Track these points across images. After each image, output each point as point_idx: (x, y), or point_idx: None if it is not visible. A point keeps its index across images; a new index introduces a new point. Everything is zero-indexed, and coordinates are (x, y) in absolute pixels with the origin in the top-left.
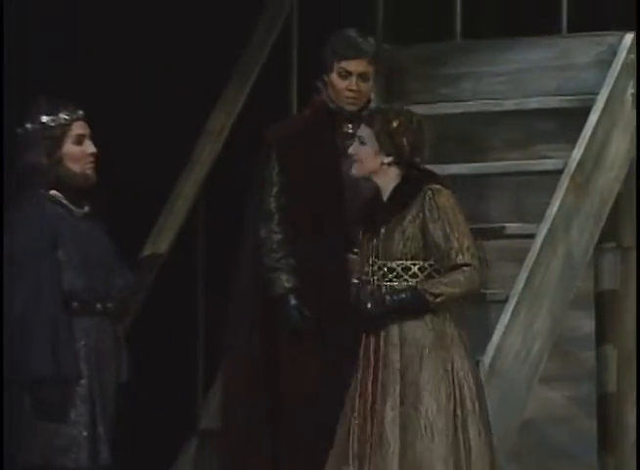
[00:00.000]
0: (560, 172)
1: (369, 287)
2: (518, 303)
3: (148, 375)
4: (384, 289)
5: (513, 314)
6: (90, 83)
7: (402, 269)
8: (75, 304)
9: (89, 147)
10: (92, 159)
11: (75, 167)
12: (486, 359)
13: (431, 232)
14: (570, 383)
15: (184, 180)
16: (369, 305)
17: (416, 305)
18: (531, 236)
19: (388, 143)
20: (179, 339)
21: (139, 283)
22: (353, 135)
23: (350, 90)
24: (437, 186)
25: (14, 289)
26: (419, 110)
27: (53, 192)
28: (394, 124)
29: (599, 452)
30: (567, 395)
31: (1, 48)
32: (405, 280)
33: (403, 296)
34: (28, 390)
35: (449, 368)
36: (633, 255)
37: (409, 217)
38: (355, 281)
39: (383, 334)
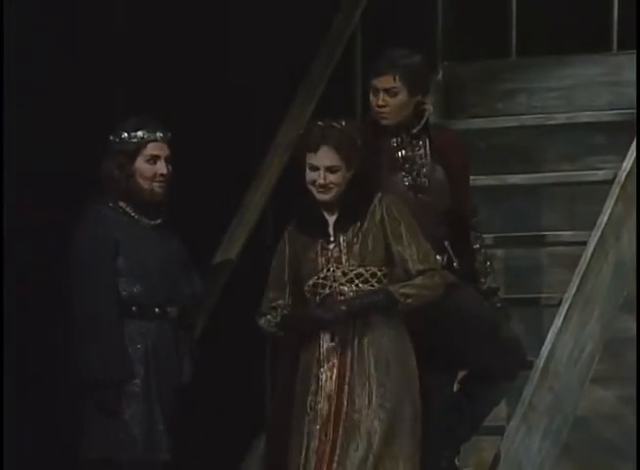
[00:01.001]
0: (610, 183)
1: (329, 290)
2: (570, 307)
3: (219, 375)
4: (349, 292)
5: (565, 318)
6: (166, 99)
7: (370, 275)
8: (134, 308)
9: (161, 168)
10: (162, 179)
11: (144, 184)
12: (540, 361)
13: (391, 240)
14: (619, 383)
15: (253, 192)
16: (342, 307)
17: (387, 305)
18: (583, 243)
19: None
20: (248, 339)
21: (208, 290)
22: (399, 149)
23: (378, 106)
24: (390, 196)
25: (74, 293)
26: (477, 123)
27: (121, 203)
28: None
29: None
30: (617, 394)
31: (1, 48)
32: (372, 285)
33: (376, 295)
34: (83, 389)
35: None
36: None
37: (369, 225)
38: (311, 285)
39: (350, 336)
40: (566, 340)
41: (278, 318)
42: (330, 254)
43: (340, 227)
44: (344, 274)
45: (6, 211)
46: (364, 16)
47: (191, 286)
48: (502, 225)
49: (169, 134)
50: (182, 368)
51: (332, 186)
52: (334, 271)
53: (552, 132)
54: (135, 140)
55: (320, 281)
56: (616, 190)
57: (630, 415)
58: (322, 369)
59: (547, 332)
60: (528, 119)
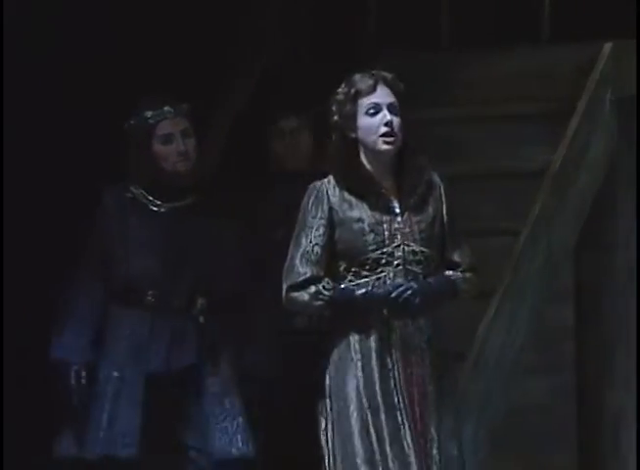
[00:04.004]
0: (543, 174)
1: (395, 269)
2: (502, 297)
3: None
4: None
5: (498, 308)
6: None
7: (425, 257)
8: (122, 295)
9: (178, 145)
10: (182, 157)
11: (167, 166)
12: (472, 352)
13: (446, 223)
14: (553, 373)
15: None
16: (416, 299)
17: (450, 298)
18: (516, 234)
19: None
20: None
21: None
22: None
23: None
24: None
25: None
26: (416, 114)
27: (133, 188)
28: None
29: (579, 438)
30: (550, 384)
31: (1, 44)
32: (424, 268)
33: (446, 287)
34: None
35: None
36: (612, 250)
37: (429, 203)
38: (371, 259)
39: (410, 322)
40: (498, 330)
41: (331, 292)
42: (397, 226)
43: (401, 196)
44: (414, 254)
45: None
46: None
47: (173, 274)
48: None
49: (184, 106)
50: (156, 358)
51: (396, 134)
52: (403, 248)
53: (486, 123)
54: (144, 123)
55: (384, 257)
56: (548, 181)
57: (563, 405)
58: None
59: (479, 322)
60: (463, 111)
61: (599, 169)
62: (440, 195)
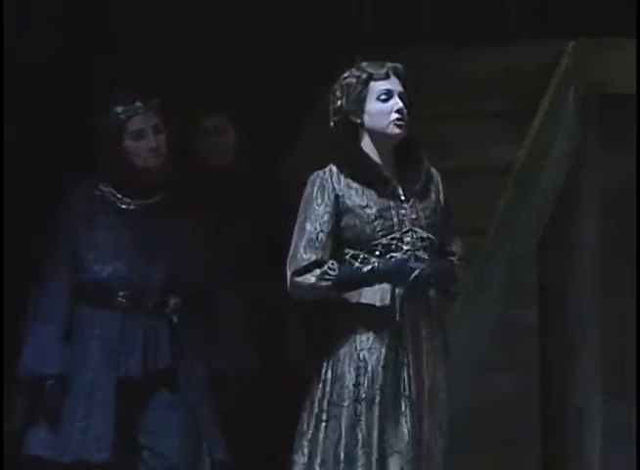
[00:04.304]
0: (506, 171)
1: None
2: (467, 295)
3: None
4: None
5: (462, 307)
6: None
7: (430, 243)
8: (89, 296)
9: (149, 141)
10: (154, 153)
11: (139, 162)
12: None
13: (444, 211)
14: (517, 371)
15: None
16: (417, 265)
17: (451, 281)
18: (482, 232)
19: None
20: None
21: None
22: None
23: None
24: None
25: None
26: None
27: (102, 186)
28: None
29: (543, 436)
30: (515, 382)
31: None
32: (430, 254)
33: (449, 268)
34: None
35: None
36: (575, 250)
37: (431, 191)
38: (381, 244)
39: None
40: (462, 329)
41: (337, 272)
42: (404, 212)
43: (404, 184)
44: (422, 240)
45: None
46: None
47: (143, 274)
48: None
49: (154, 101)
50: (130, 361)
51: (406, 120)
52: (412, 234)
53: (450, 120)
54: (115, 119)
55: (394, 243)
56: (511, 179)
57: (529, 403)
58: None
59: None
60: (434, 108)
61: (562, 168)
62: (438, 184)
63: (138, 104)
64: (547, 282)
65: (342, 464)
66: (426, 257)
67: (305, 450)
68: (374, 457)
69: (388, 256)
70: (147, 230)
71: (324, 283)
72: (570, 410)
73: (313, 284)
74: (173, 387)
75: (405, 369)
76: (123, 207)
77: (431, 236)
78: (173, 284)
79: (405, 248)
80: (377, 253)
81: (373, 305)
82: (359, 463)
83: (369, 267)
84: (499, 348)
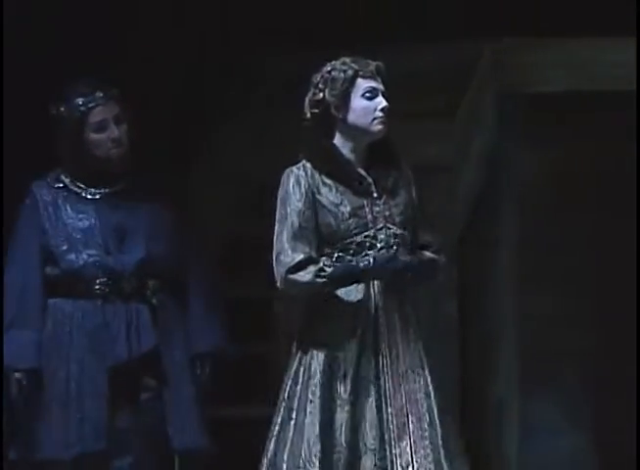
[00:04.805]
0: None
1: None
2: None
3: None
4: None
5: None
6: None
7: (403, 240)
8: (62, 287)
9: (112, 132)
10: (116, 143)
11: (101, 153)
12: None
13: (416, 205)
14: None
15: None
16: (406, 259)
17: (433, 275)
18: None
19: None
20: None
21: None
22: None
23: None
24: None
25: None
26: None
27: (63, 177)
28: None
29: (462, 430)
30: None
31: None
32: (403, 250)
33: (428, 263)
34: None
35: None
36: (494, 248)
37: (401, 186)
38: (355, 242)
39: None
40: None
41: (332, 269)
42: (378, 209)
43: (376, 181)
44: (395, 236)
45: None
46: None
47: (118, 259)
48: None
49: (114, 90)
50: (116, 347)
51: (386, 118)
52: (386, 230)
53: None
54: (76, 111)
55: (368, 240)
56: (435, 178)
57: (448, 398)
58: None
59: None
60: None
61: (481, 167)
62: (409, 179)
63: (99, 94)
64: (467, 279)
65: (314, 464)
66: (402, 251)
67: (271, 447)
68: (347, 456)
69: (362, 253)
70: (115, 217)
71: (320, 280)
72: (489, 405)
73: (309, 281)
74: (159, 369)
75: (380, 365)
76: (89, 196)
77: (404, 232)
78: (149, 268)
79: (379, 245)
80: (351, 251)
81: (347, 300)
82: (333, 462)
83: (365, 263)
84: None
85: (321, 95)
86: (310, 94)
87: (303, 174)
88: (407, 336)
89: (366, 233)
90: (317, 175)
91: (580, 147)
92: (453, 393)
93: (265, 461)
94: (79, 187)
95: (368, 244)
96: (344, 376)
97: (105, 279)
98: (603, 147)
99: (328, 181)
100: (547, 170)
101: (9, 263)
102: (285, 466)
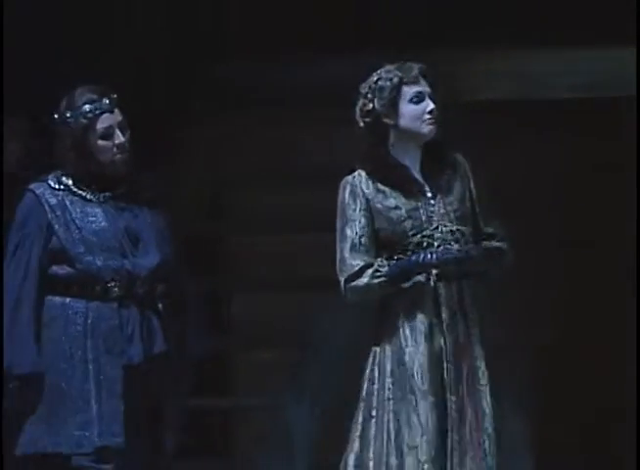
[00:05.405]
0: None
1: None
2: (332, 286)
3: None
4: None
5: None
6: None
7: (462, 234)
8: (75, 287)
9: (118, 137)
10: (122, 149)
11: (105, 159)
12: (313, 338)
13: (473, 201)
14: None
15: None
16: (463, 248)
17: (496, 265)
18: (330, 229)
19: None
20: None
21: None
22: None
23: None
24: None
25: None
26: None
27: (64, 179)
28: None
29: None
30: None
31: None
32: (461, 245)
33: (489, 253)
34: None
35: None
36: None
37: (456, 182)
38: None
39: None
40: (334, 319)
41: (387, 268)
42: (432, 209)
43: (430, 181)
44: (452, 233)
45: None
46: None
47: (135, 262)
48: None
49: (115, 97)
50: (130, 348)
51: (436, 118)
52: (441, 229)
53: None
54: (83, 117)
55: (425, 240)
56: None
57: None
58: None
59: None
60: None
61: None
62: (466, 171)
63: (105, 101)
64: None
65: (400, 457)
66: (458, 248)
67: (356, 446)
68: (437, 444)
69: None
70: (122, 220)
71: (377, 280)
72: None
73: (367, 284)
74: (169, 371)
75: (444, 359)
76: (94, 198)
77: (461, 227)
78: (161, 272)
79: (436, 243)
80: (409, 252)
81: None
82: (422, 452)
83: (423, 256)
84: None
85: (371, 105)
86: (360, 104)
87: (358, 183)
88: (470, 336)
89: (422, 233)
90: (372, 182)
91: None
92: None
93: (351, 461)
94: (83, 190)
95: (425, 244)
96: (421, 372)
97: (121, 282)
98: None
99: (382, 187)
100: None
101: (10, 260)
102: (372, 464)
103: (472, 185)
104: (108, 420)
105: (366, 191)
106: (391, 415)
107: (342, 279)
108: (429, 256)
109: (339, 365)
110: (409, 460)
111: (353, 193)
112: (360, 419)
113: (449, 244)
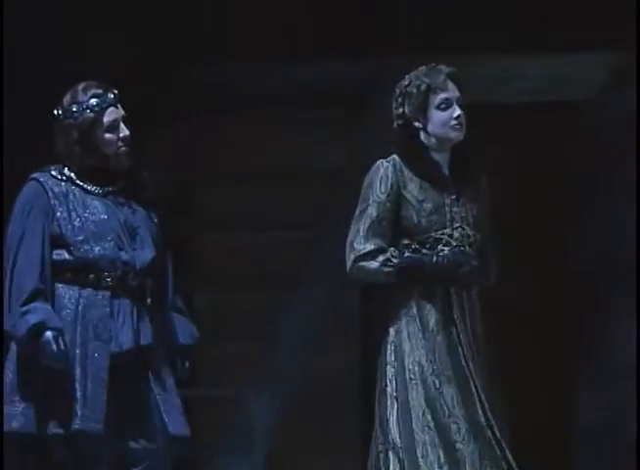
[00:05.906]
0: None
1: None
2: (300, 284)
3: None
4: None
5: (298, 295)
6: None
7: (475, 240)
8: (68, 274)
9: (122, 130)
10: (124, 143)
11: (110, 152)
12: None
13: (485, 208)
14: (343, 352)
15: None
16: (475, 263)
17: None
18: (306, 227)
19: None
20: None
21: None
22: None
23: None
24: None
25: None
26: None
27: (66, 170)
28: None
29: (362, 407)
30: (338, 361)
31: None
32: (474, 250)
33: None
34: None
35: None
36: None
37: (477, 190)
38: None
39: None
40: (295, 315)
41: (399, 260)
42: (456, 210)
43: (456, 183)
44: (468, 237)
45: None
46: None
47: (131, 255)
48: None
49: (116, 92)
50: (120, 336)
51: (463, 124)
52: (461, 230)
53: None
54: (90, 111)
55: (445, 237)
56: (332, 181)
57: (350, 379)
58: (457, 328)
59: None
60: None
61: None
62: (485, 186)
63: (110, 95)
64: None
65: (427, 437)
66: (471, 253)
67: (379, 432)
68: (465, 427)
69: (437, 249)
70: (121, 214)
71: (386, 269)
72: None
73: (376, 269)
74: (152, 362)
75: (459, 344)
76: (95, 191)
77: (476, 234)
78: (152, 267)
79: (454, 243)
80: (427, 245)
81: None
82: (452, 432)
83: (437, 258)
84: (329, 330)
85: (401, 109)
86: (393, 107)
87: (392, 168)
88: (474, 330)
89: (444, 230)
90: (406, 170)
91: None
92: (354, 374)
93: (381, 445)
94: (84, 182)
95: (444, 241)
96: (440, 354)
97: (115, 273)
98: None
99: (414, 178)
100: None
101: (17, 240)
102: (400, 442)
103: (487, 201)
104: (90, 405)
105: (399, 178)
106: (414, 394)
107: (352, 256)
108: (445, 259)
109: (299, 360)
110: (441, 436)
111: (386, 176)
112: (389, 403)
113: (464, 247)
